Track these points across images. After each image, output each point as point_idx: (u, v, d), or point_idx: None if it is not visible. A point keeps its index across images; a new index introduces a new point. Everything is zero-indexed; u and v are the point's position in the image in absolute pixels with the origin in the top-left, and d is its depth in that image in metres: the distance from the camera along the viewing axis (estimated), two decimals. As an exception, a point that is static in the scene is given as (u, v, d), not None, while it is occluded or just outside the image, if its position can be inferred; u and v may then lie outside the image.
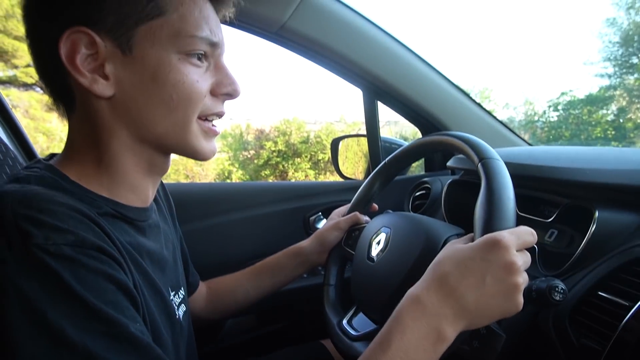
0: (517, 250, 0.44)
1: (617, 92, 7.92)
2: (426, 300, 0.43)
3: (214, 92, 0.51)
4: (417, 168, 1.60)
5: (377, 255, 0.67)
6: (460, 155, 0.95)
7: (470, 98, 1.08)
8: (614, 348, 0.47)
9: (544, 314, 0.61)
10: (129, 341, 0.35)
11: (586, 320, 0.55)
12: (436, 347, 0.42)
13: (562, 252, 0.67)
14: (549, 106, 9.48)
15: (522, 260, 0.44)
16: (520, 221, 0.78)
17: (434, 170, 1.21)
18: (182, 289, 0.60)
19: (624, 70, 8.17)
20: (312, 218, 1.11)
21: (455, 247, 0.47)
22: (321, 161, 10.65)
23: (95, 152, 0.46)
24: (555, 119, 9.31)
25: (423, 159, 1.28)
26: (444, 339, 0.42)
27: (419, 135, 1.17)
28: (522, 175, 0.71)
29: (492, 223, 0.48)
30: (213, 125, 0.53)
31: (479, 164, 0.55)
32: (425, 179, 1.07)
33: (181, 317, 0.55)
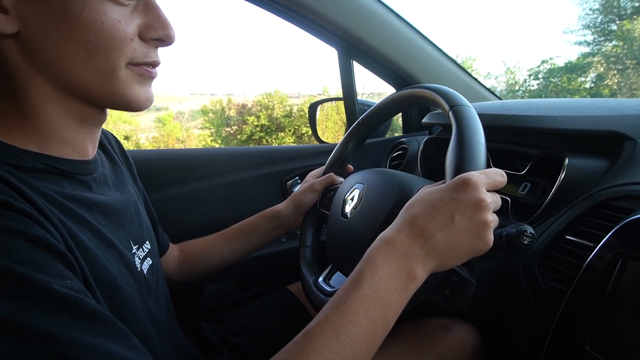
0: (487, 190, 0.44)
1: (595, 59, 8.02)
2: (396, 241, 0.43)
3: (143, 37, 0.44)
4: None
5: (351, 211, 0.66)
6: (435, 111, 0.94)
7: (445, 54, 1.06)
8: (577, 287, 0.48)
9: (514, 261, 0.62)
10: (53, 299, 0.32)
11: (554, 264, 0.56)
12: (407, 286, 0.42)
13: (534, 203, 0.68)
14: (530, 75, 9.56)
15: (492, 199, 0.44)
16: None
17: (412, 132, 1.20)
18: (148, 242, 0.57)
19: (602, 38, 8.25)
20: (290, 182, 1.10)
21: (426, 190, 0.47)
22: (305, 135, 10.57)
23: (13, 102, 0.41)
24: (536, 87, 9.42)
25: (401, 123, 1.27)
26: (414, 278, 0.42)
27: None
28: (496, 125, 0.70)
29: (462, 166, 0.48)
30: (148, 69, 0.46)
31: (450, 112, 0.55)
32: (403, 139, 1.07)
33: (145, 270, 0.53)
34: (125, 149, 0.67)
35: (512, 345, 0.65)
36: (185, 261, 0.78)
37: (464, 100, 0.55)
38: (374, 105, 0.75)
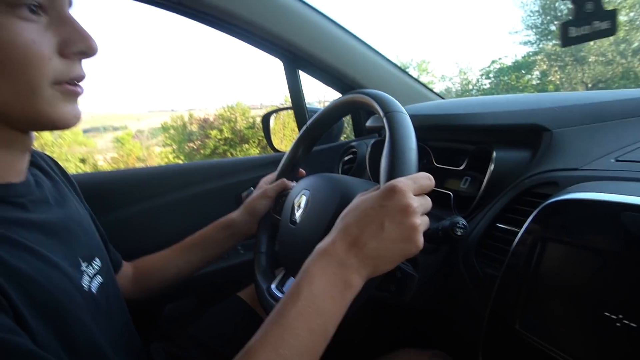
0: (415, 195, 0.46)
1: (539, 57, 8.56)
2: (332, 252, 0.44)
3: (64, 53, 0.43)
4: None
5: (299, 217, 0.67)
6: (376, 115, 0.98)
7: (386, 58, 1.10)
8: (506, 271, 0.52)
9: (454, 253, 0.65)
10: None
11: (489, 252, 0.60)
12: (344, 295, 0.43)
13: (474, 196, 0.72)
14: (482, 74, 10.07)
15: (419, 203, 0.46)
16: (437, 172, 0.82)
17: (362, 135, 1.24)
18: (98, 259, 0.55)
19: (543, 37, 8.84)
20: (245, 194, 1.10)
21: (360, 198, 0.49)
22: (270, 145, 10.57)
23: None
24: (488, 86, 9.91)
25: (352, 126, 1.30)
26: (351, 286, 0.43)
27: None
28: (431, 125, 0.74)
29: (393, 172, 0.49)
30: (74, 85, 0.45)
31: (384, 118, 0.57)
32: (353, 143, 1.10)
33: (95, 289, 0.51)
34: (74, 172, 0.66)
35: (454, 329, 0.68)
36: (140, 278, 0.76)
37: (397, 106, 0.57)
38: (319, 111, 0.77)
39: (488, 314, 0.52)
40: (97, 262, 0.55)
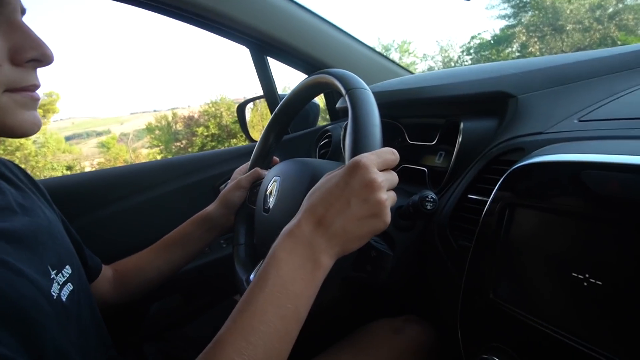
0: (380, 170, 0.45)
1: (517, 30, 8.57)
2: (298, 233, 0.43)
3: (16, 60, 0.41)
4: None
5: (271, 204, 0.66)
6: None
7: (354, 38, 1.08)
8: (478, 240, 0.51)
9: (429, 228, 0.65)
10: None
11: (462, 224, 0.59)
12: (314, 276, 0.42)
13: (448, 170, 0.71)
14: (462, 51, 10.06)
15: (385, 177, 0.45)
16: (411, 149, 0.81)
17: (338, 118, 1.22)
18: (69, 267, 0.54)
19: (520, 9, 8.83)
20: (222, 186, 1.08)
21: (325, 177, 0.48)
22: (257, 138, 10.50)
23: None
24: (470, 62, 9.91)
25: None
26: (320, 266, 0.42)
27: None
28: (396, 101, 0.73)
29: (356, 148, 0.48)
30: (30, 93, 0.44)
31: (346, 95, 0.55)
32: (328, 127, 1.08)
33: (64, 297, 0.50)
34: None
35: (432, 302, 0.68)
36: (120, 281, 0.75)
37: (359, 82, 0.56)
38: (285, 96, 0.75)
39: (463, 286, 0.52)
40: (67, 270, 0.53)
